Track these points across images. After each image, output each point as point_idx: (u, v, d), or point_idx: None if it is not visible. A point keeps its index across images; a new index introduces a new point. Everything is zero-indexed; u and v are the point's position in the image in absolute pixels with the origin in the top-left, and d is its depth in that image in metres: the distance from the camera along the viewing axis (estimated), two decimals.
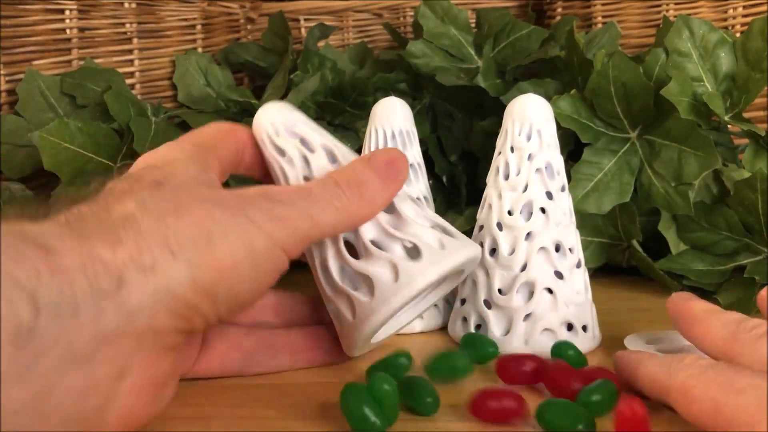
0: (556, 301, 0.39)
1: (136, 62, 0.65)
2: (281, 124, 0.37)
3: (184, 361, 0.34)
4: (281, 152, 0.37)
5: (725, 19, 0.63)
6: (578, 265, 0.41)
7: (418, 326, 0.43)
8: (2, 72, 0.57)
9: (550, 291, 0.39)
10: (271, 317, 0.39)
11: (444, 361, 0.34)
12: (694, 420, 0.27)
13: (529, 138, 0.40)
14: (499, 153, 0.41)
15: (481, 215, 0.42)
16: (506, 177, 0.41)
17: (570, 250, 0.40)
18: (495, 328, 0.40)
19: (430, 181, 0.53)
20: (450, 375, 0.34)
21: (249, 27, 0.76)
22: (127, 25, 0.64)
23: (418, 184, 0.44)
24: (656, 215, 0.52)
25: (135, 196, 0.28)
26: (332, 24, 0.73)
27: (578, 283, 0.40)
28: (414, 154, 0.44)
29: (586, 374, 0.33)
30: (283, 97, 0.58)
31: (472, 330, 0.41)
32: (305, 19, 0.76)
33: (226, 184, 0.34)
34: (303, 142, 0.37)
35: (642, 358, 0.31)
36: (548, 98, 0.45)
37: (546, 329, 0.39)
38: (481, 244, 0.41)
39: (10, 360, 0.22)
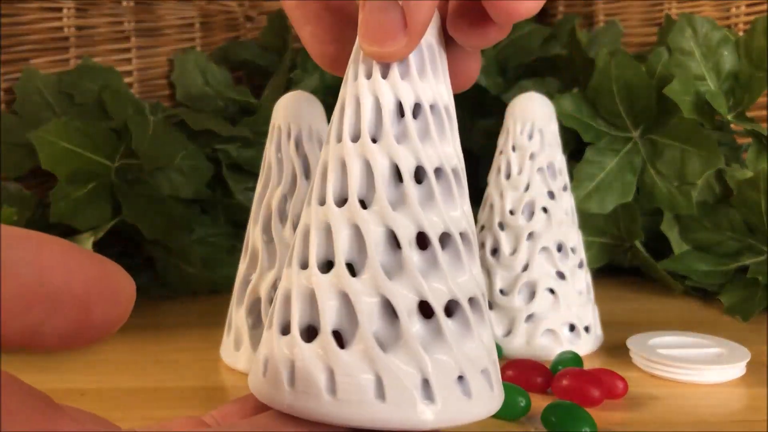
0: (558, 302, 0.39)
1: (134, 61, 0.64)
2: (306, 128, 0.37)
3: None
4: (278, 148, 0.37)
5: (728, 18, 0.63)
6: (580, 266, 0.40)
7: None
8: (0, 70, 0.57)
9: (552, 291, 0.39)
10: None
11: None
12: None
13: (530, 137, 0.40)
14: (501, 152, 0.41)
15: (483, 215, 0.41)
16: (508, 176, 0.40)
17: (572, 250, 0.40)
18: (497, 329, 0.39)
19: None
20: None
21: (248, 25, 0.75)
22: (125, 24, 0.63)
23: None
24: (659, 215, 0.52)
25: None
26: None
27: (580, 283, 0.40)
28: None
29: (593, 375, 0.33)
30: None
31: None
32: None
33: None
34: (305, 161, 0.37)
35: None
36: (550, 97, 0.45)
37: (548, 330, 0.39)
38: (483, 244, 0.40)
39: None
